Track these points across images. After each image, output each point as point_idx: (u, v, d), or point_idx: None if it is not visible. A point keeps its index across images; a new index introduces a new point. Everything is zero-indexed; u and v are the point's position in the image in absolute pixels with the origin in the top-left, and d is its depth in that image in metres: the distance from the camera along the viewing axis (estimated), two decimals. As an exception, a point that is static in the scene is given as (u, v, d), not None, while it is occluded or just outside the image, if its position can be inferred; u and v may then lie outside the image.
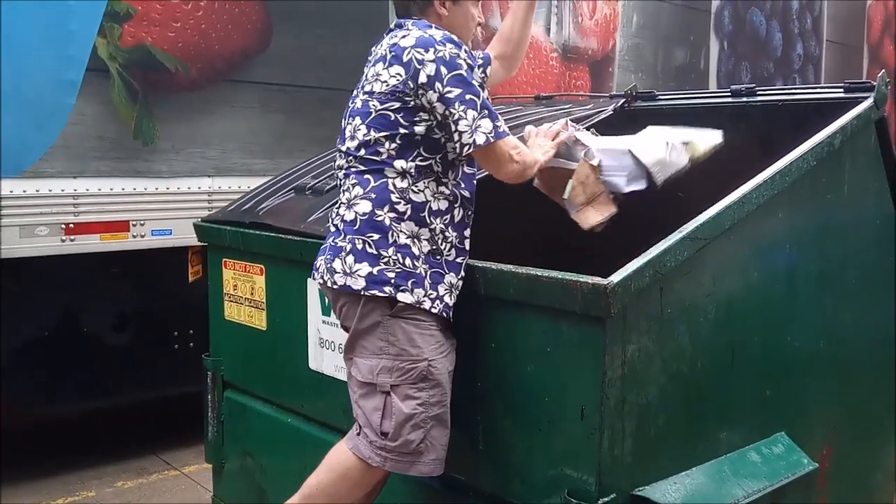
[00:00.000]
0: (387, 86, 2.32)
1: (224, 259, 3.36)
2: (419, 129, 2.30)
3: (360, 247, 2.30)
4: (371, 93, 2.36)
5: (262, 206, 3.25)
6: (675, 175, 2.49)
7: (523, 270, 2.19)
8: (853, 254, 2.85)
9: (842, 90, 2.99)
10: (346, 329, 2.41)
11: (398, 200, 2.30)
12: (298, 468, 2.85)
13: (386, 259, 2.28)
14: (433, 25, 2.41)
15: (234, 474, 3.41)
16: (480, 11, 2.59)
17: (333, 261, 2.34)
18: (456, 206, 2.37)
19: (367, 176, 2.33)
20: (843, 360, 2.86)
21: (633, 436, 2.12)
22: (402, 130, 2.31)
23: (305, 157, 3.98)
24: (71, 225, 4.14)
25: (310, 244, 2.73)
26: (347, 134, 2.41)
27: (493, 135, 2.26)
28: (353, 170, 2.37)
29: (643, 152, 2.45)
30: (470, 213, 2.42)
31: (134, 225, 4.34)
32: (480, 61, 2.74)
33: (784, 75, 8.63)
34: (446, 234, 2.34)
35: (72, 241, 4.15)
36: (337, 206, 2.42)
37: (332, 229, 2.42)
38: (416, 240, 2.31)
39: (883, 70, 3.10)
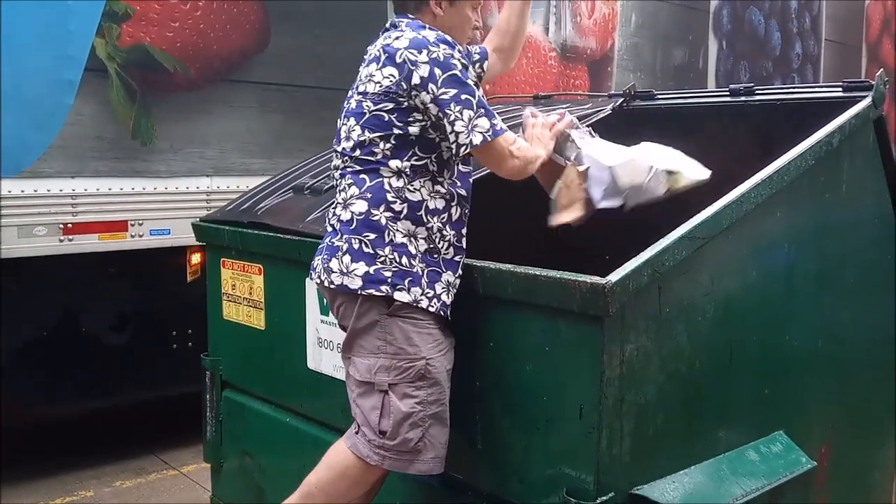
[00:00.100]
0: (380, 86, 2.32)
1: (222, 259, 3.36)
2: (413, 129, 2.30)
3: (356, 246, 2.30)
4: (365, 93, 2.36)
5: (261, 205, 3.25)
6: (648, 202, 2.46)
7: (522, 270, 2.19)
8: (851, 253, 2.85)
9: (840, 89, 3.00)
10: (343, 328, 2.41)
11: (394, 200, 2.30)
12: (297, 467, 2.85)
13: (382, 258, 2.28)
14: (427, 26, 2.40)
15: (233, 474, 3.41)
16: (479, 15, 2.57)
17: (330, 260, 2.35)
18: (453, 204, 2.37)
19: (362, 176, 2.34)
20: (842, 359, 2.86)
21: (632, 435, 2.12)
22: (396, 131, 2.30)
23: (304, 156, 3.97)
24: (69, 225, 4.14)
25: (308, 244, 2.73)
26: (343, 134, 2.41)
27: (490, 133, 2.26)
28: (348, 170, 2.37)
29: (623, 173, 2.42)
30: (466, 211, 2.43)
31: (132, 225, 4.34)
32: (477, 56, 2.74)
33: (783, 74, 8.63)
34: (444, 232, 2.34)
35: (70, 240, 4.15)
36: (333, 206, 2.43)
37: (329, 229, 2.42)
38: (412, 238, 2.31)
39: (881, 69, 3.10)
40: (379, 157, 2.32)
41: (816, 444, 2.74)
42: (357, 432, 2.39)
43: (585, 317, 2.05)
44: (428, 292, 2.30)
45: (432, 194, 2.33)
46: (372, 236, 2.30)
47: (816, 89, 3.20)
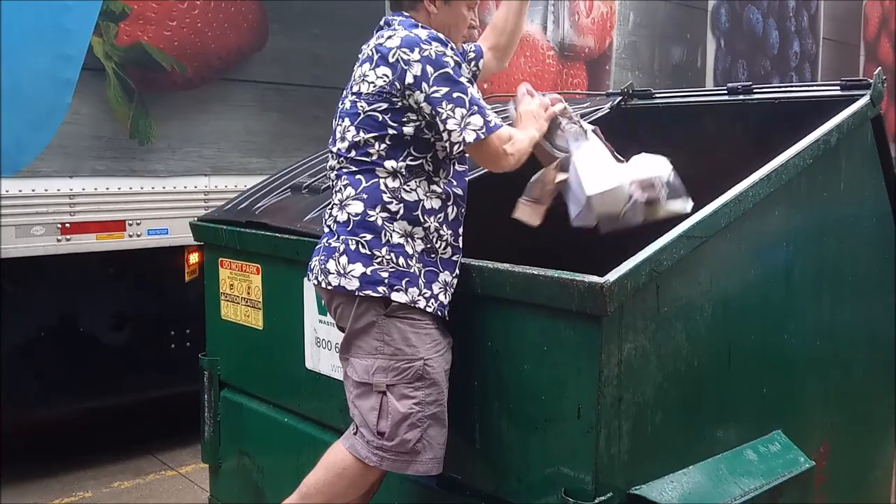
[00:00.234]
0: (374, 87, 2.31)
1: (220, 258, 3.35)
2: (408, 129, 2.29)
3: (353, 247, 2.30)
4: (359, 94, 2.35)
5: (259, 205, 3.24)
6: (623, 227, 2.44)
7: (520, 269, 2.19)
8: (850, 251, 2.85)
9: (838, 88, 2.99)
10: (341, 329, 2.41)
11: (390, 200, 2.29)
12: (295, 467, 2.85)
13: (379, 259, 2.28)
14: (420, 24, 2.39)
15: (232, 474, 3.40)
16: (475, 14, 2.56)
17: (327, 262, 2.34)
18: (449, 203, 2.36)
19: (358, 176, 2.33)
20: (840, 357, 2.86)
21: (630, 434, 2.12)
22: (390, 131, 2.30)
23: (301, 155, 3.97)
24: (67, 224, 4.13)
25: (306, 243, 2.73)
26: (338, 135, 2.40)
27: (483, 130, 2.25)
28: (344, 170, 2.36)
29: (599, 203, 2.37)
30: (462, 210, 2.42)
31: (130, 224, 4.33)
32: (472, 55, 2.73)
33: (781, 73, 8.63)
34: (441, 232, 2.33)
35: (68, 240, 4.14)
36: (330, 207, 2.42)
37: (326, 230, 2.42)
38: (409, 239, 2.30)
39: (879, 67, 3.10)
40: (374, 157, 2.31)
41: (815, 443, 2.74)
42: (355, 433, 2.38)
43: (584, 316, 2.05)
44: (425, 292, 2.30)
45: (428, 194, 2.33)
46: (368, 237, 2.29)
47: (814, 88, 3.20)
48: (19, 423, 4.63)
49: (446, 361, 2.35)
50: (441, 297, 2.33)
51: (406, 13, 2.44)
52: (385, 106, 2.30)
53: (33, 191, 4.03)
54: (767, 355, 2.54)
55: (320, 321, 2.85)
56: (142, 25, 4.27)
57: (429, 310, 2.30)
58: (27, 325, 4.34)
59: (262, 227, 3.08)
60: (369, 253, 2.28)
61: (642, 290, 2.09)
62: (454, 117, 2.24)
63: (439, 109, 2.24)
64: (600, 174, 2.41)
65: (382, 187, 2.30)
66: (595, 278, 2.01)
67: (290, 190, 3.26)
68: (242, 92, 4.66)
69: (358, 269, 2.28)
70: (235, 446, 3.36)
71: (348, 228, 2.32)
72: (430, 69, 2.24)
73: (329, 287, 2.34)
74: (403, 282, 2.28)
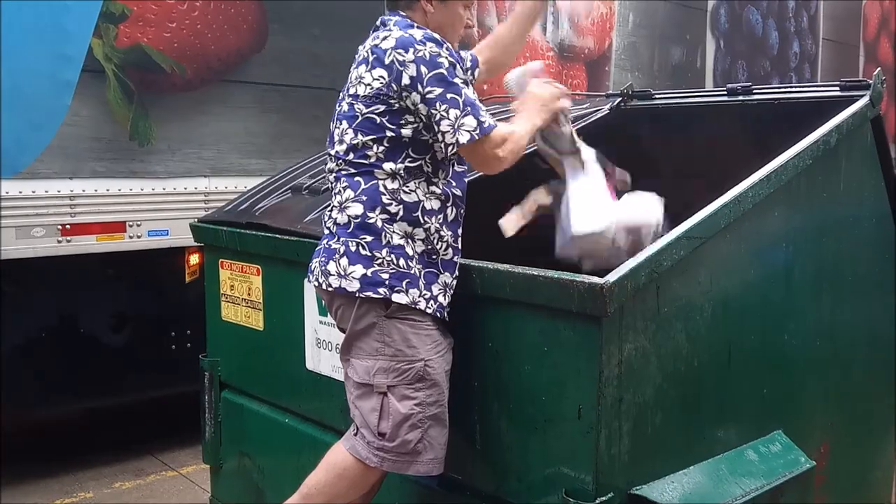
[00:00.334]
0: (370, 89, 2.31)
1: (221, 259, 3.35)
2: (406, 131, 2.29)
3: (353, 249, 2.30)
4: (356, 96, 2.35)
5: (259, 206, 3.25)
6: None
7: (520, 270, 2.19)
8: (850, 252, 2.85)
9: (838, 88, 3.00)
10: (342, 331, 2.41)
11: (389, 202, 2.29)
12: (296, 468, 2.85)
13: (380, 260, 2.28)
14: (415, 24, 2.39)
15: (232, 475, 3.40)
16: (471, 14, 2.55)
17: (328, 263, 2.34)
18: (448, 204, 2.36)
19: (357, 178, 2.33)
20: (841, 357, 2.86)
21: (630, 435, 2.12)
22: (388, 133, 2.30)
23: (301, 156, 3.97)
24: (67, 226, 4.14)
25: (306, 244, 2.73)
26: (336, 138, 2.40)
27: (477, 132, 2.24)
28: (343, 173, 2.36)
29: (583, 244, 2.40)
30: (462, 211, 2.42)
31: (130, 226, 4.34)
32: (469, 64, 2.71)
33: (780, 74, 8.64)
34: (441, 233, 2.33)
35: (68, 241, 4.14)
36: (329, 209, 2.42)
37: (326, 232, 2.42)
38: (409, 240, 2.30)
39: (879, 68, 3.11)
40: (372, 159, 2.31)
41: (815, 443, 2.74)
42: (356, 434, 2.38)
43: (584, 317, 2.05)
44: (426, 294, 2.30)
45: (428, 195, 2.32)
46: (369, 239, 2.29)
47: (814, 88, 3.20)
48: (20, 423, 4.64)
49: (447, 362, 2.35)
50: (441, 298, 2.33)
51: (402, 13, 2.43)
52: (382, 108, 2.30)
53: (33, 192, 4.03)
54: (767, 355, 2.54)
55: (321, 322, 2.86)
56: (141, 27, 4.27)
57: (429, 311, 2.30)
58: (27, 325, 4.34)
59: (263, 229, 3.08)
60: (370, 254, 2.28)
61: (642, 291, 2.10)
62: (448, 118, 2.23)
63: (433, 110, 2.24)
64: (590, 213, 2.43)
65: (381, 189, 2.30)
66: (595, 279, 2.02)
67: (291, 191, 3.26)
68: (242, 93, 4.66)
69: (358, 270, 2.28)
70: (236, 447, 3.36)
71: (348, 230, 2.32)
72: (424, 70, 2.24)
73: (329, 289, 2.34)
74: (404, 283, 2.28)
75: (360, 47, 2.43)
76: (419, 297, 2.29)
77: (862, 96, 2.84)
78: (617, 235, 2.38)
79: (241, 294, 3.25)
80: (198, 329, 3.79)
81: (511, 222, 2.49)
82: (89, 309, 4.53)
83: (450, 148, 2.26)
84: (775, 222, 2.51)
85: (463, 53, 2.68)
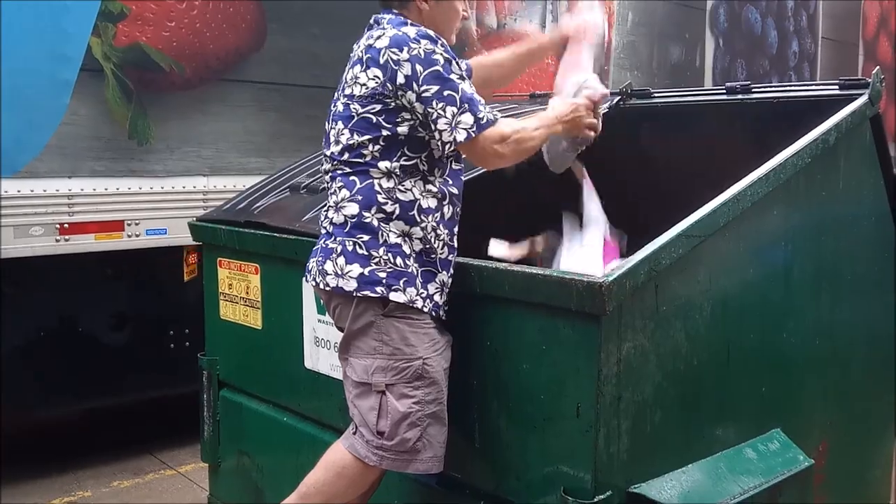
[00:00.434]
0: (366, 88, 2.30)
1: (219, 258, 3.35)
2: (402, 129, 2.28)
3: (350, 248, 2.30)
4: (351, 96, 2.34)
5: (257, 205, 3.24)
6: None
7: (519, 268, 2.19)
8: (849, 250, 2.85)
9: (837, 87, 2.99)
10: (340, 329, 2.41)
11: (385, 201, 2.29)
12: (295, 467, 2.85)
13: (377, 259, 2.27)
14: (409, 22, 2.37)
15: (231, 473, 3.40)
16: (466, 5, 2.53)
17: (325, 263, 2.34)
18: (444, 203, 2.35)
19: (352, 178, 2.32)
20: (839, 356, 2.86)
21: (629, 433, 2.12)
22: (384, 132, 2.29)
23: (300, 155, 3.97)
24: (66, 225, 4.13)
25: (305, 243, 2.73)
26: (331, 138, 2.40)
27: (474, 129, 2.23)
28: (338, 172, 2.36)
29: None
30: (458, 209, 2.41)
31: (129, 224, 4.33)
32: (464, 66, 2.70)
33: (779, 72, 8.63)
34: (438, 231, 2.33)
35: (66, 240, 4.14)
36: (326, 208, 2.41)
37: (323, 231, 2.41)
38: (406, 238, 2.30)
39: (878, 66, 3.10)
40: (368, 158, 2.30)
41: (814, 442, 2.74)
42: (355, 433, 2.38)
43: (582, 315, 2.05)
44: (422, 292, 2.30)
45: (424, 193, 2.32)
46: (365, 238, 2.29)
47: (813, 87, 3.20)
48: (19, 422, 4.63)
49: (445, 360, 2.35)
50: (437, 297, 2.32)
51: (396, 10, 2.42)
52: (379, 107, 2.29)
53: (32, 191, 4.02)
54: (766, 354, 2.54)
55: (319, 320, 2.85)
56: (140, 26, 4.27)
57: (425, 310, 2.30)
58: (26, 325, 4.34)
59: (261, 227, 3.08)
60: (367, 253, 2.28)
61: (641, 289, 2.09)
62: (445, 116, 2.23)
63: (430, 109, 2.23)
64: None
65: (377, 188, 2.29)
66: (594, 277, 2.01)
67: (289, 190, 3.26)
68: (241, 92, 4.66)
69: (356, 269, 2.28)
70: (235, 446, 3.36)
71: (345, 230, 2.31)
72: (419, 68, 2.23)
73: (327, 288, 2.34)
74: (401, 282, 2.27)
75: (355, 46, 2.42)
76: (416, 295, 2.28)
77: (861, 95, 2.83)
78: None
79: (239, 293, 3.25)
80: (196, 328, 3.78)
81: (498, 250, 2.53)
82: (88, 308, 4.53)
83: (447, 146, 2.25)
84: (774, 221, 2.51)
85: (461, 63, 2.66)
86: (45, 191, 4.06)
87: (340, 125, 2.36)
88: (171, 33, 4.37)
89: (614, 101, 3.63)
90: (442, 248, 2.34)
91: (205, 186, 4.56)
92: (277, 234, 2.97)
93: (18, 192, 3.99)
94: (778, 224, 2.53)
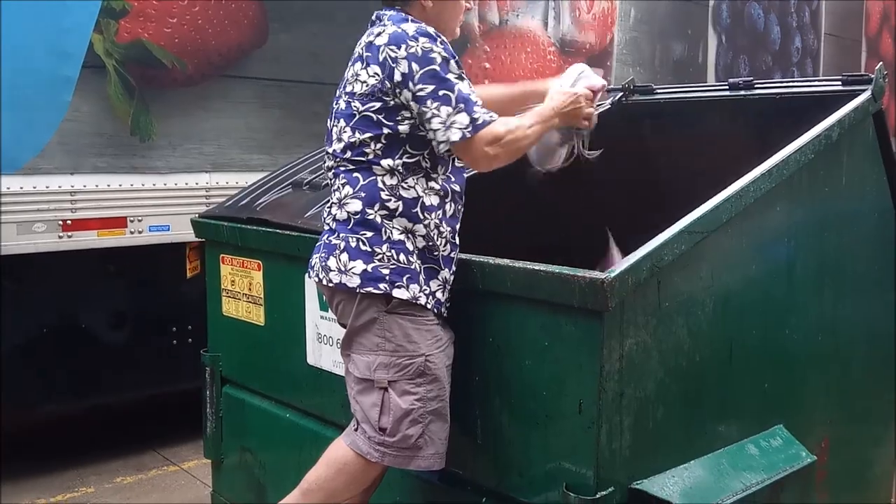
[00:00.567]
0: (366, 86, 2.29)
1: (222, 255, 3.35)
2: (403, 127, 2.28)
3: (354, 244, 2.29)
4: (352, 94, 2.34)
5: (260, 201, 3.25)
6: None
7: (521, 265, 2.19)
8: (851, 246, 2.85)
9: (840, 83, 2.99)
10: (343, 326, 2.41)
11: (388, 198, 2.28)
12: (297, 463, 2.85)
13: (380, 256, 2.27)
14: (410, 18, 2.36)
15: (234, 470, 3.41)
16: None
17: (328, 259, 2.34)
18: (447, 200, 2.35)
19: (356, 174, 2.32)
20: (842, 352, 2.86)
21: (631, 429, 2.12)
22: (385, 130, 2.28)
23: (302, 152, 3.97)
24: (68, 221, 4.13)
25: (307, 239, 2.73)
26: (334, 136, 2.39)
27: (469, 130, 2.21)
28: (341, 169, 2.35)
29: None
30: (460, 206, 2.41)
31: (131, 221, 4.33)
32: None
33: (782, 69, 8.62)
34: (441, 228, 2.33)
35: (69, 237, 4.14)
36: (329, 205, 2.41)
37: (326, 227, 2.41)
38: (410, 235, 2.29)
39: (881, 63, 3.10)
40: (370, 156, 2.30)
41: (816, 438, 2.74)
42: (356, 429, 2.38)
43: (585, 312, 2.05)
44: (425, 289, 2.30)
45: (427, 191, 2.31)
46: (369, 234, 2.29)
47: (816, 83, 3.20)
48: (20, 419, 4.64)
49: (448, 357, 2.35)
50: (439, 294, 2.32)
51: (398, 6, 2.41)
52: (379, 105, 2.28)
53: (34, 188, 4.03)
54: (769, 350, 2.54)
55: (322, 317, 2.86)
56: (142, 22, 4.26)
57: (428, 307, 2.30)
58: (28, 321, 4.34)
59: (264, 224, 3.08)
60: (370, 250, 2.28)
61: (643, 286, 2.09)
62: (439, 116, 2.21)
63: (424, 108, 2.22)
64: None
65: (380, 185, 2.29)
66: (596, 274, 2.01)
67: (291, 186, 3.26)
68: (243, 88, 4.65)
69: (359, 266, 2.28)
70: (237, 442, 3.36)
71: (349, 227, 2.31)
72: (415, 66, 2.22)
73: (330, 284, 2.33)
74: (404, 278, 2.27)
75: (357, 44, 2.42)
76: (419, 292, 2.28)
77: (864, 91, 2.83)
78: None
79: (242, 289, 3.25)
80: (199, 324, 3.78)
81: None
82: (90, 305, 4.53)
83: (441, 146, 2.24)
84: (777, 217, 2.51)
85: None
86: (47, 187, 4.07)
87: (342, 123, 2.36)
88: (172, 30, 4.37)
89: (616, 98, 3.63)
90: (444, 245, 2.34)
91: (207, 183, 4.56)
92: (280, 231, 2.97)
93: (21, 188, 3.99)
94: (780, 220, 2.53)
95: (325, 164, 2.48)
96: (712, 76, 7.74)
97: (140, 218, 4.36)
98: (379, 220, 2.28)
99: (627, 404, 2.11)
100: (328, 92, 2.58)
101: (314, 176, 3.21)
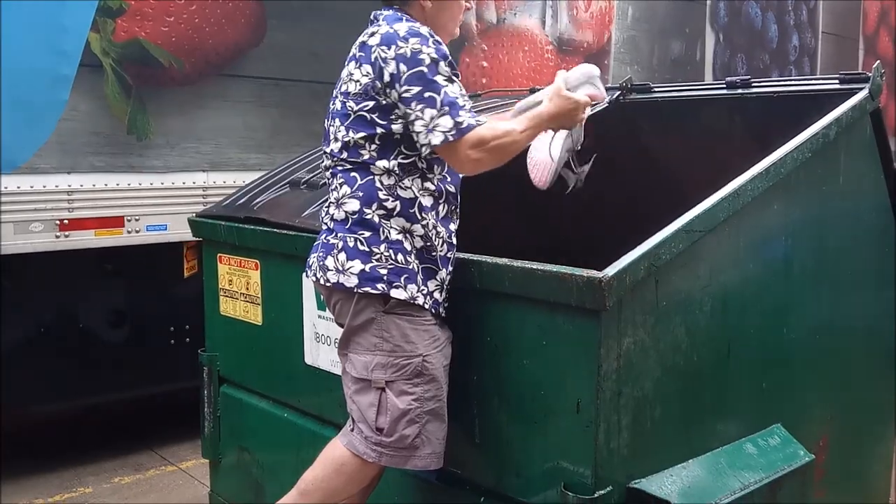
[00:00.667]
0: (359, 86, 2.29)
1: (219, 254, 3.35)
2: (396, 127, 2.27)
3: (352, 244, 2.29)
4: (347, 94, 2.33)
5: (257, 200, 3.24)
6: None
7: (518, 264, 2.19)
8: (849, 245, 2.85)
9: (837, 81, 2.99)
10: (340, 325, 2.41)
11: (386, 197, 2.28)
12: (295, 463, 2.85)
13: (378, 256, 2.27)
14: (404, 19, 2.35)
15: (231, 469, 3.40)
16: None
17: (326, 258, 2.33)
18: (440, 201, 2.34)
19: (353, 174, 2.32)
20: (840, 351, 2.86)
21: (629, 429, 2.12)
22: (379, 130, 2.27)
23: (300, 151, 3.97)
24: (65, 221, 4.13)
25: (305, 239, 2.73)
26: (331, 136, 2.39)
27: (453, 133, 2.18)
28: (339, 168, 2.35)
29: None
30: (455, 207, 2.40)
31: (128, 220, 4.33)
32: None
33: (780, 67, 8.62)
34: (437, 229, 2.32)
35: (66, 237, 4.14)
36: (326, 204, 2.41)
37: (324, 227, 2.41)
38: (408, 235, 2.29)
39: (878, 61, 3.10)
40: (366, 157, 2.29)
41: (814, 437, 2.74)
42: (353, 429, 2.38)
43: (582, 311, 2.05)
44: (423, 289, 2.29)
45: (422, 191, 2.31)
46: (367, 234, 2.28)
47: (813, 82, 3.20)
48: (19, 419, 4.63)
49: (445, 357, 2.34)
50: (436, 294, 2.32)
51: (397, 6, 2.41)
52: (372, 105, 2.28)
53: (31, 187, 4.02)
54: (767, 349, 2.54)
55: (319, 316, 2.85)
56: (139, 21, 4.26)
57: (426, 307, 2.29)
58: (26, 321, 4.34)
59: (261, 223, 3.08)
60: (368, 250, 2.28)
61: (641, 285, 2.09)
62: (423, 118, 2.20)
63: (409, 110, 2.21)
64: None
65: (378, 185, 2.29)
66: (594, 272, 2.01)
67: (289, 185, 3.26)
68: (240, 87, 4.65)
69: (357, 265, 2.27)
70: (235, 442, 3.36)
71: (346, 226, 2.31)
72: (403, 67, 2.21)
73: (328, 284, 2.33)
74: (402, 278, 2.27)
75: (355, 45, 2.42)
76: (417, 292, 2.28)
77: (861, 89, 2.83)
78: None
79: (239, 289, 3.25)
80: (196, 324, 3.78)
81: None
82: (88, 304, 4.53)
83: (425, 148, 2.24)
84: (774, 216, 2.51)
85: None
86: (44, 187, 4.06)
87: (338, 122, 2.35)
88: (170, 28, 4.36)
89: (614, 96, 3.63)
90: (442, 246, 2.34)
91: (204, 182, 4.56)
92: (277, 230, 2.97)
93: (18, 188, 3.98)
94: (778, 219, 2.53)
95: (323, 164, 2.47)
96: (710, 75, 7.74)
97: (137, 217, 4.35)
98: (377, 219, 2.28)
99: (625, 403, 2.11)
100: (326, 91, 2.57)
101: (312, 175, 3.21)
